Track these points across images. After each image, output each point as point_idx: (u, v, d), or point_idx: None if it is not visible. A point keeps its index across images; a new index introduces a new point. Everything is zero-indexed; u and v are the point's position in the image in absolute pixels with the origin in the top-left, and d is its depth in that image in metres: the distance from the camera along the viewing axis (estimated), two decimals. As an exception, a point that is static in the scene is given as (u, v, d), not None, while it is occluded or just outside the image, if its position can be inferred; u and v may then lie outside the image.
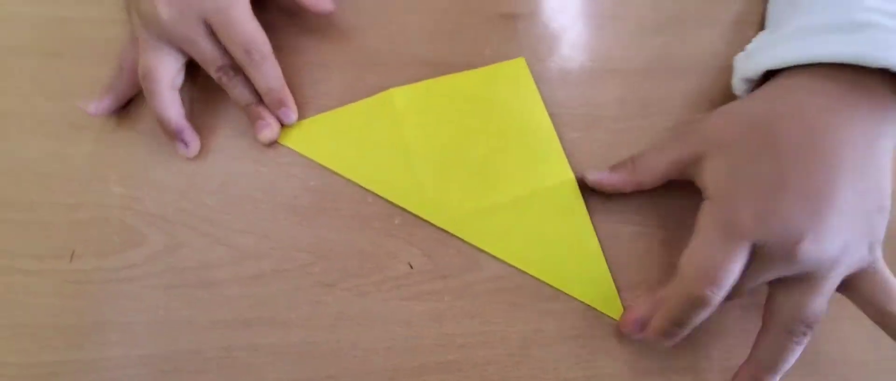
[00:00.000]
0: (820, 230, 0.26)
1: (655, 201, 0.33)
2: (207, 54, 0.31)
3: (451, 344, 0.31)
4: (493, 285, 0.32)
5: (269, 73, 0.32)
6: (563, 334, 0.31)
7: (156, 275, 0.31)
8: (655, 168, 0.31)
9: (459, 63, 0.35)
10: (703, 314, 0.27)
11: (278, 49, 0.32)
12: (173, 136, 0.32)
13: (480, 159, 0.33)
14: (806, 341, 0.27)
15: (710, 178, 0.28)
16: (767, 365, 0.28)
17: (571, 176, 0.33)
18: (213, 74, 0.32)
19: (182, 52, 0.32)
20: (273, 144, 0.33)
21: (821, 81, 0.28)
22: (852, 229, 0.27)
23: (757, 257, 0.26)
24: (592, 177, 0.32)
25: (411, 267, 0.32)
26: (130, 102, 0.34)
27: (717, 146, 0.29)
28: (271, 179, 0.33)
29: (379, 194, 0.32)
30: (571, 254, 0.32)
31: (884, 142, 0.28)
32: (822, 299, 0.27)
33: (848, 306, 0.29)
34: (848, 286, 0.28)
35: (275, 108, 0.33)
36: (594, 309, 0.32)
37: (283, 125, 0.33)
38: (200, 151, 0.33)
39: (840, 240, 0.26)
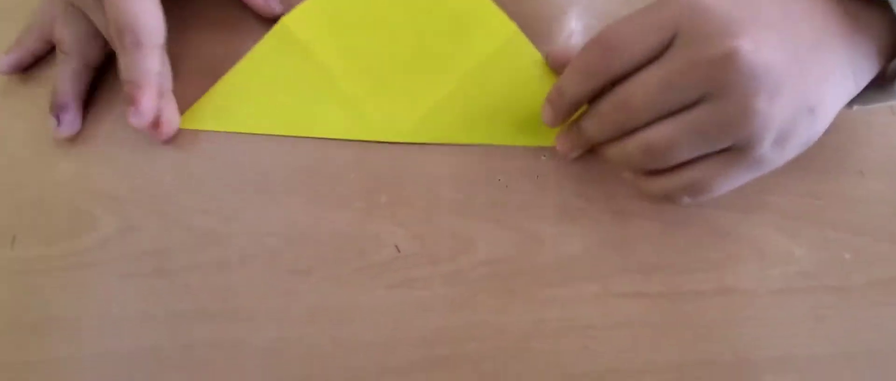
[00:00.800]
0: (758, 40, 0.22)
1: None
2: (101, 26, 0.28)
3: (443, 338, 0.27)
4: (488, 270, 0.28)
5: (136, 63, 0.27)
6: (567, 324, 0.28)
7: (107, 263, 0.28)
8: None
9: None
10: (589, 85, 0.25)
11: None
12: (53, 106, 0.29)
13: (412, 53, 0.31)
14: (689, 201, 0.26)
15: None
16: (619, 162, 0.26)
17: (514, 27, 0.31)
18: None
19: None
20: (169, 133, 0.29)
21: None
22: (777, 82, 0.22)
23: (677, 55, 0.23)
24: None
25: (398, 250, 0.28)
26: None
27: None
28: (237, 153, 0.29)
29: (319, 135, 0.29)
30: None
31: (847, 63, 0.24)
32: (732, 178, 0.24)
33: (891, 292, 0.26)
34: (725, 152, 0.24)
35: (128, 101, 0.28)
36: (601, 295, 0.28)
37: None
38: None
39: (765, 79, 0.22)
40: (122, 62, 0.27)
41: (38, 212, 0.28)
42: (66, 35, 0.29)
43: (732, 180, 0.25)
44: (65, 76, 0.29)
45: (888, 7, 0.24)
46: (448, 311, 0.28)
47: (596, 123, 0.26)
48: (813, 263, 0.28)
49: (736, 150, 0.24)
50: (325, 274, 0.28)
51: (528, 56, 0.31)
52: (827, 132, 0.29)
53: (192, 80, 0.30)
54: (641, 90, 0.23)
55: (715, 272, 0.28)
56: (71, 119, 0.29)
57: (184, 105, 0.30)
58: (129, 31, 0.27)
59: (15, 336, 0.27)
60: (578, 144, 0.28)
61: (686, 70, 0.23)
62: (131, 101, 0.27)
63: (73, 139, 0.29)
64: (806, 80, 0.23)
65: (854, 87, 0.25)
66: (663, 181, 0.26)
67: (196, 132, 0.30)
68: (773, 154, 0.24)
